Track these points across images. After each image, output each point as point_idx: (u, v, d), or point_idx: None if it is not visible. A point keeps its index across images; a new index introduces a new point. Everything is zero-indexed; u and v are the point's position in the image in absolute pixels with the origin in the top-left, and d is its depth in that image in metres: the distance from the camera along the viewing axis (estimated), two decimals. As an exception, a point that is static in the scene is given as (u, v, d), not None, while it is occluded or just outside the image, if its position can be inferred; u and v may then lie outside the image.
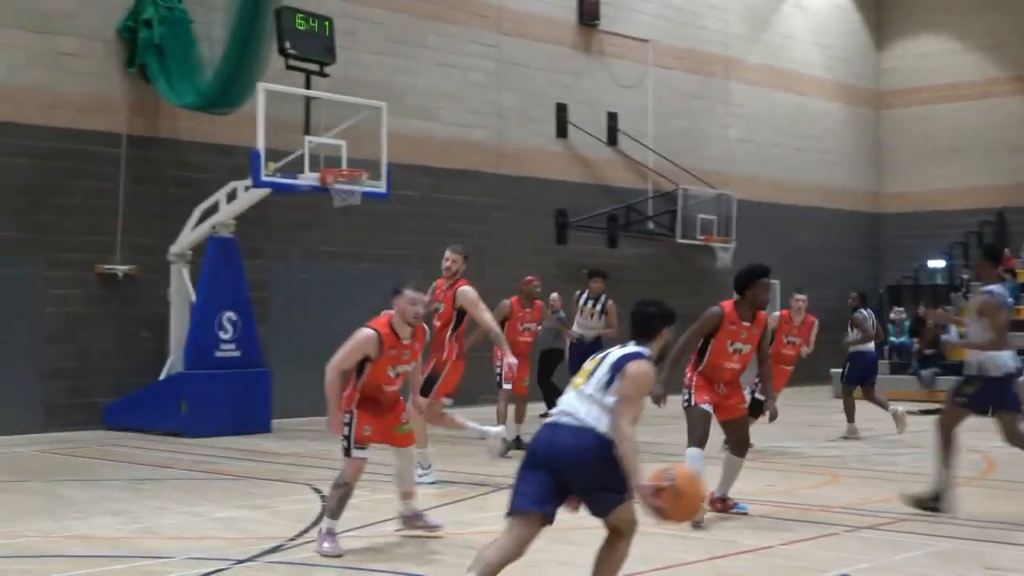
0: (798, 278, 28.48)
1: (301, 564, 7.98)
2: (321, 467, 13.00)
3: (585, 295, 16.52)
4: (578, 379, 6.32)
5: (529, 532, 6.29)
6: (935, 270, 29.32)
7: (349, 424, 8.62)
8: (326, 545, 8.35)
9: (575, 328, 16.62)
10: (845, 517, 9.93)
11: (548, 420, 6.30)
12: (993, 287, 10.20)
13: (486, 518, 9.86)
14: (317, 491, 11.18)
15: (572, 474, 6.12)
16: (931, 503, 10.12)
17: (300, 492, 11.24)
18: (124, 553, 8.33)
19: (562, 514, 10.08)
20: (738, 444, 10.21)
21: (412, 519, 9.03)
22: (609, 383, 6.14)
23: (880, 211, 31.39)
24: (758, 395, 13.15)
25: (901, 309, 26.56)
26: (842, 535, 9.15)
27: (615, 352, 6.31)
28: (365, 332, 8.74)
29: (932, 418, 20.19)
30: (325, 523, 8.54)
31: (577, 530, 9.41)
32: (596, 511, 6.25)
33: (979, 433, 17.66)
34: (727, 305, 9.92)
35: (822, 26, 30.11)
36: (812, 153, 29.67)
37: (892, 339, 25.92)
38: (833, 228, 29.95)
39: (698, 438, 9.71)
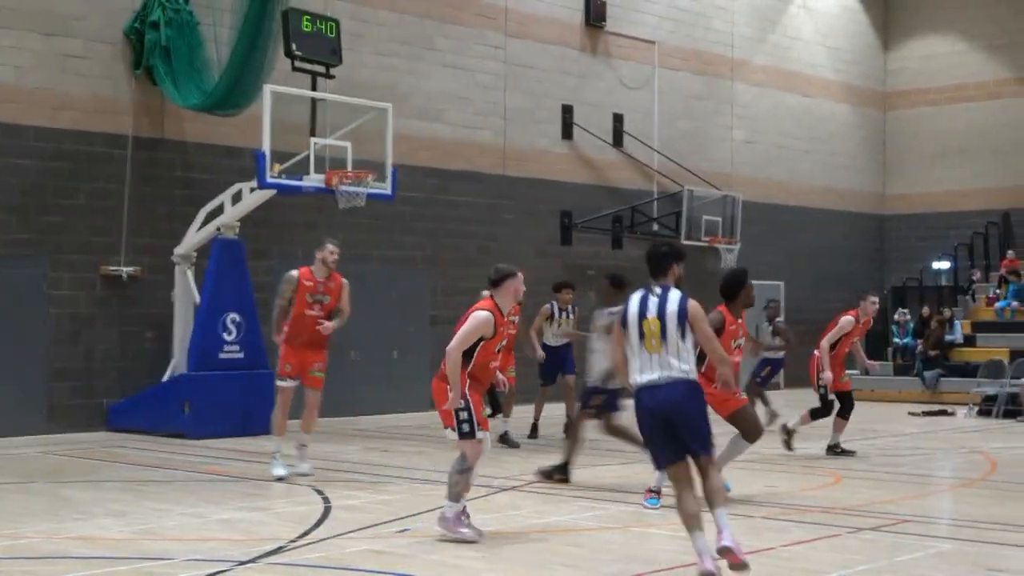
0: (803, 279, 28.55)
1: (302, 565, 7.99)
2: (324, 468, 13.01)
3: (555, 307, 16.32)
4: (653, 342, 7.46)
5: (686, 471, 7.45)
6: (940, 271, 29.29)
7: (467, 408, 8.86)
8: (464, 530, 8.84)
9: (548, 339, 16.36)
10: (847, 518, 9.94)
11: (643, 384, 7.46)
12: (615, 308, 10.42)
13: (489, 520, 9.87)
14: (319, 492, 11.19)
15: (682, 421, 7.40)
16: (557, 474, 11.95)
17: (302, 494, 11.25)
18: (126, 554, 8.35)
19: (567, 517, 10.13)
20: (750, 432, 10.78)
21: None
22: (683, 332, 7.46)
23: (885, 212, 31.35)
24: (829, 395, 14.78)
25: (905, 311, 26.53)
26: (844, 536, 9.15)
27: (662, 306, 7.51)
28: (484, 314, 8.95)
29: (935, 419, 20.25)
30: (450, 509, 8.89)
31: (583, 532, 9.44)
32: (701, 449, 7.42)
33: (984, 435, 17.70)
34: (723, 309, 10.82)
35: (829, 27, 30.09)
36: (818, 154, 29.64)
37: (896, 340, 25.91)
38: (838, 229, 29.93)
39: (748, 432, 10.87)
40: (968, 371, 23.46)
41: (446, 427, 9.01)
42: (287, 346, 12.41)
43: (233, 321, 16.95)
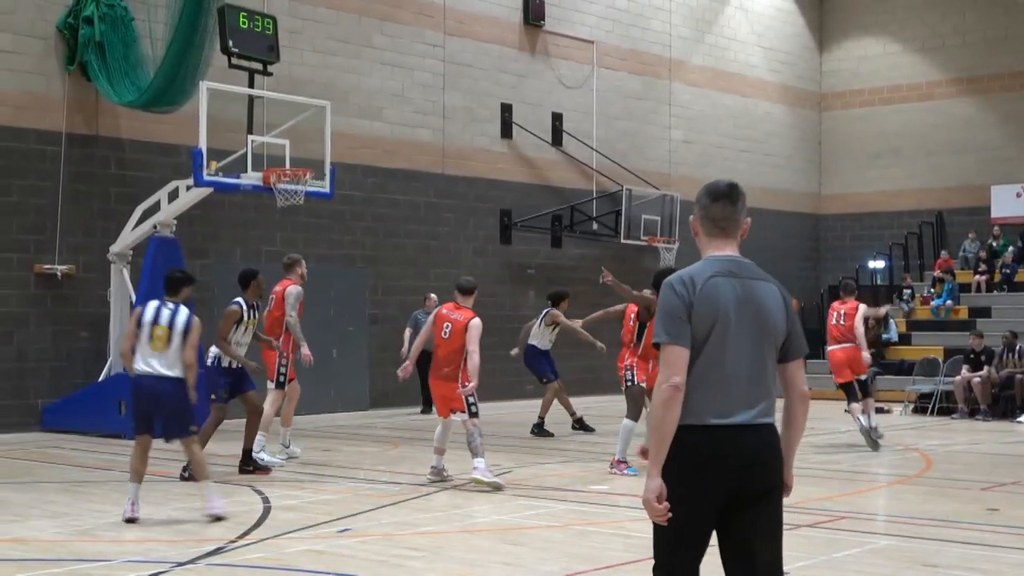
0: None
1: (242, 566, 7.91)
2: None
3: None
4: (159, 343, 9.69)
5: (147, 442, 10.10)
6: (875, 270, 29.64)
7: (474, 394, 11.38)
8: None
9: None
10: (786, 515, 9.96)
11: (142, 372, 9.76)
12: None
13: (429, 519, 9.85)
14: (259, 493, 11.10)
15: (160, 408, 9.88)
16: None
17: (242, 494, 11.14)
18: (62, 556, 8.23)
19: (508, 516, 10.11)
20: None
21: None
22: (184, 341, 9.74)
23: (821, 212, 31.68)
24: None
25: (842, 309, 26.78)
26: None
27: (172, 317, 9.79)
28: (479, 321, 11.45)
29: (873, 416, 20.46)
30: (482, 462, 11.26)
31: (524, 530, 9.44)
32: (174, 433, 10.15)
33: (919, 432, 17.93)
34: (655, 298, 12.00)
35: (765, 28, 30.34)
36: (755, 154, 29.89)
37: (833, 339, 26.13)
38: (775, 229, 30.16)
39: (636, 412, 12.25)
40: (904, 369, 23.75)
41: (454, 410, 11.46)
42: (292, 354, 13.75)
43: (170, 320, 16.74)
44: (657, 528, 4.48)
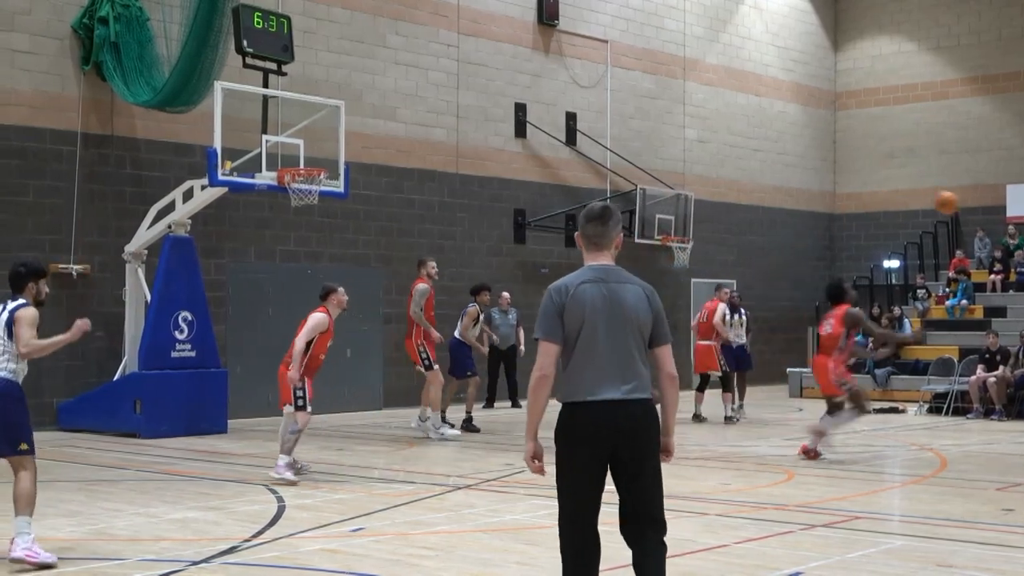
0: (754, 278, 28.72)
1: (256, 565, 7.93)
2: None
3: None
4: None
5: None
6: (890, 270, 29.57)
7: (303, 388, 11.97)
8: (289, 474, 11.70)
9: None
10: (800, 515, 9.99)
11: None
12: None
13: (443, 518, 9.86)
14: (272, 491, 11.13)
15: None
16: None
17: (256, 493, 11.17)
18: (78, 555, 8.26)
19: (522, 516, 10.12)
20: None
21: None
22: (9, 336, 8.34)
23: (836, 211, 31.61)
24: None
25: (856, 309, 26.72)
26: (797, 533, 9.20)
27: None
28: (320, 315, 12.16)
29: (886, 417, 20.44)
30: (283, 460, 11.83)
31: (538, 530, 9.44)
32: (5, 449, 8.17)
33: (934, 432, 17.88)
34: None
35: (779, 27, 30.28)
36: (769, 154, 29.84)
37: (848, 338, 26.08)
38: (790, 228, 30.15)
39: (862, 407, 14.02)
40: (918, 369, 23.68)
41: (286, 403, 12.03)
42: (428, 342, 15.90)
43: (184, 319, 16.82)
44: (558, 488, 5.58)
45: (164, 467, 13.16)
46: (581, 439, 5.48)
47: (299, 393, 11.92)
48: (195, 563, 7.95)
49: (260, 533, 9.04)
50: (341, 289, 12.42)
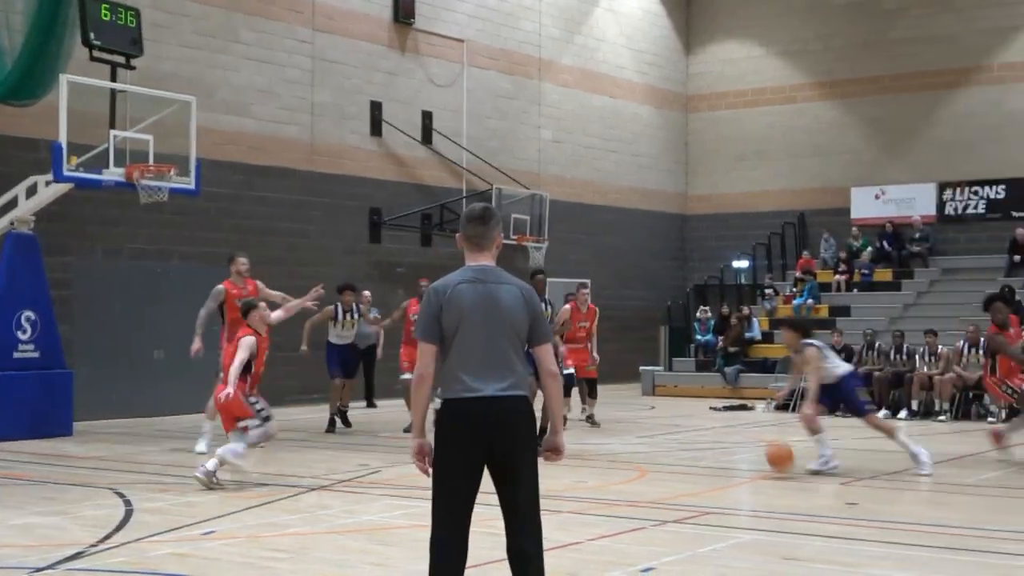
0: (609, 277, 29.06)
1: (103, 571, 7.73)
2: (124, 471, 12.65)
3: (339, 308, 17.57)
4: None
5: None
6: (739, 270, 30.22)
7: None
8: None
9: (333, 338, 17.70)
10: (652, 512, 10.14)
11: None
12: None
13: (297, 520, 9.75)
14: (120, 495, 10.86)
15: None
16: None
17: (102, 497, 10.89)
18: (-88, 564, 7.95)
19: (377, 516, 10.05)
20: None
21: None
22: None
23: (688, 212, 32.16)
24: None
25: (706, 308, 27.31)
26: (649, 529, 9.34)
27: None
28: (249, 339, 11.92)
29: (735, 414, 20.86)
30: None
31: (393, 530, 9.39)
32: None
33: (782, 429, 18.31)
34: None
35: (633, 29, 30.68)
36: (623, 155, 30.22)
37: (698, 337, 26.63)
38: (644, 229, 30.57)
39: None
40: (767, 367, 24.26)
41: (232, 428, 11.57)
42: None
43: (28, 319, 16.31)
44: (432, 484, 5.62)
45: (5, 471, 12.74)
46: (456, 435, 5.57)
47: (259, 407, 11.76)
48: (39, 569, 7.72)
49: (107, 538, 8.82)
50: (262, 304, 12.29)
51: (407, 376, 15.35)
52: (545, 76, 27.99)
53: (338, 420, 17.28)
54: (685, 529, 9.43)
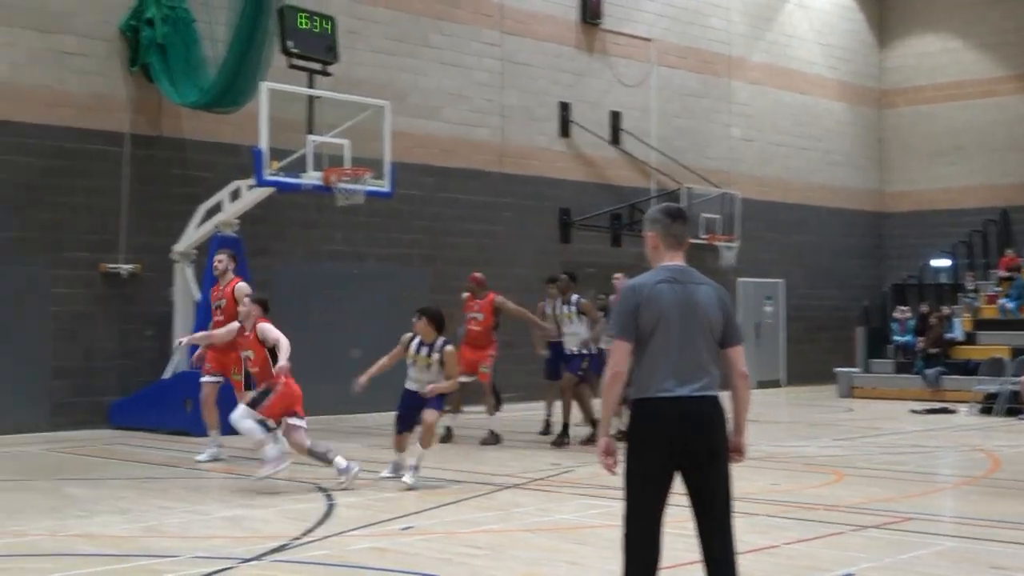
0: (801, 277, 28.54)
1: (306, 563, 7.95)
2: (326, 466, 12.97)
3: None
4: None
5: None
6: (939, 269, 29.30)
7: None
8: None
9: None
10: (850, 516, 9.92)
11: None
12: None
13: (492, 517, 9.86)
14: (322, 490, 11.16)
15: None
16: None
17: (305, 491, 11.21)
18: (130, 552, 8.31)
19: (572, 515, 10.11)
20: None
21: None
22: None
23: (884, 210, 31.36)
24: None
25: (905, 308, 26.53)
26: (847, 534, 9.13)
27: None
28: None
29: (937, 417, 20.25)
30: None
31: (588, 529, 9.42)
32: None
33: (986, 433, 17.69)
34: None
35: (825, 24, 30.09)
36: (815, 152, 29.66)
37: (896, 338, 25.90)
38: (837, 227, 29.94)
39: None
40: (969, 369, 23.45)
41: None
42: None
43: (232, 319, 16.87)
44: (625, 483, 5.59)
45: (214, 466, 13.24)
46: (650, 434, 5.53)
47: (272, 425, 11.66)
48: (246, 560, 7.98)
49: (310, 531, 9.07)
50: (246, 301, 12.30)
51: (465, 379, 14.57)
52: (735, 73, 27.66)
53: (549, 423, 16.36)
54: (885, 535, 9.19)
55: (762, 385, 26.48)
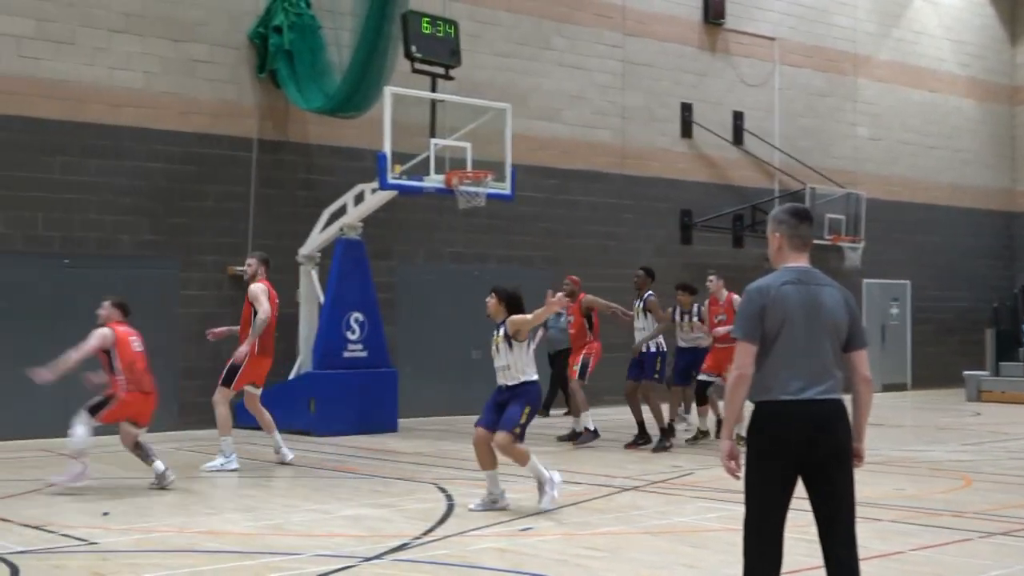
0: (928, 278, 27.95)
1: (427, 563, 8.05)
2: (446, 466, 13.12)
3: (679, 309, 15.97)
4: None
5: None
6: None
7: None
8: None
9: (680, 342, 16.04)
10: (978, 523, 9.70)
11: None
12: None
13: (610, 519, 9.86)
14: (442, 490, 11.28)
15: None
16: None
17: (425, 491, 11.34)
18: (254, 549, 8.50)
19: (690, 518, 10.05)
20: None
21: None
22: None
23: (1016, 210, 30.55)
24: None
25: (1038, 310, 25.83)
26: (975, 541, 8.94)
27: None
28: None
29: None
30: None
31: (706, 532, 9.36)
32: None
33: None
34: None
35: (954, 21, 29.43)
36: (944, 151, 29.02)
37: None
38: (965, 227, 29.26)
39: None
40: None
41: None
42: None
43: (356, 320, 17.16)
44: (746, 484, 5.56)
45: (337, 464, 13.46)
46: (773, 438, 5.48)
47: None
48: (368, 559, 8.11)
49: (431, 531, 9.18)
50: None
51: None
52: (860, 72, 27.20)
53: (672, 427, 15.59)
54: (1014, 542, 8.97)
55: (888, 388, 26.01)
